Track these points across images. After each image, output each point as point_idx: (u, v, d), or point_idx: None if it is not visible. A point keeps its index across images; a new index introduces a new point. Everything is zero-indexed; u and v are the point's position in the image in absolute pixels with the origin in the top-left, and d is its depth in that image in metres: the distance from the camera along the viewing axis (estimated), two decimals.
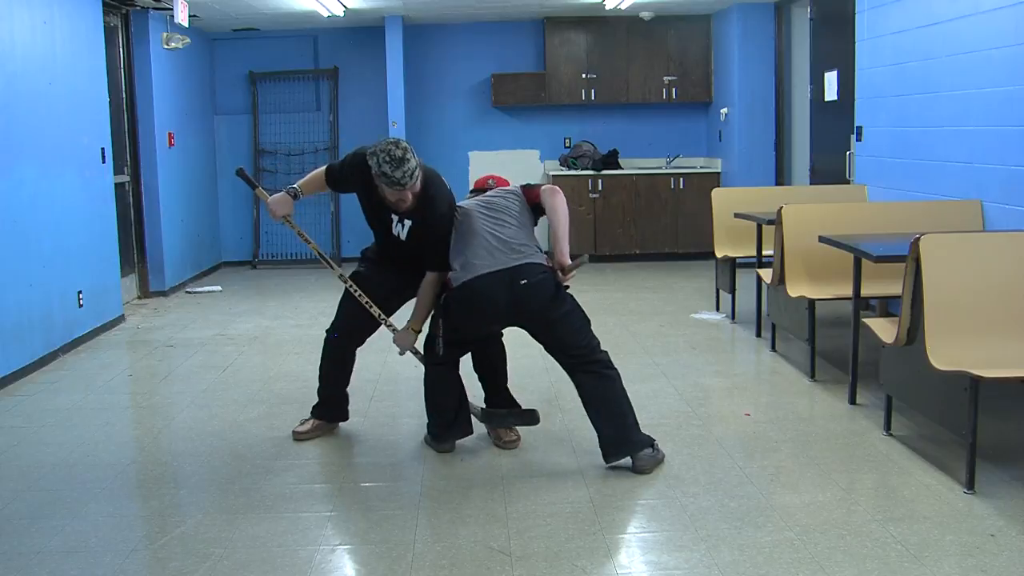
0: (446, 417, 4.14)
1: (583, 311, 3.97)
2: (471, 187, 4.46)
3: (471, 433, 4.20)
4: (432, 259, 4.07)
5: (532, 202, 4.10)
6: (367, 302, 4.21)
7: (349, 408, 4.54)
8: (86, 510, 3.60)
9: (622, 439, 3.87)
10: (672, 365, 5.59)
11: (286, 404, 4.93)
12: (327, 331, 4.42)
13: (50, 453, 4.27)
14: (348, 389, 4.50)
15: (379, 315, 4.24)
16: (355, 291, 4.23)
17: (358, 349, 4.46)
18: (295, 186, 4.29)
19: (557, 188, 4.07)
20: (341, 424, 4.52)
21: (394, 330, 4.28)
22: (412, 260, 4.13)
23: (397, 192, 3.84)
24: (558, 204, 4.01)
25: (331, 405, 4.48)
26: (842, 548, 3.11)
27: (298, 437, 4.40)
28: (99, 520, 3.50)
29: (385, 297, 4.29)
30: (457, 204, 4.13)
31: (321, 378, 4.46)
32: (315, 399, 4.47)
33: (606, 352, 3.98)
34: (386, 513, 3.52)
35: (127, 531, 3.43)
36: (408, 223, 4.04)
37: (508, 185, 4.32)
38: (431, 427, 4.20)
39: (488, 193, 4.21)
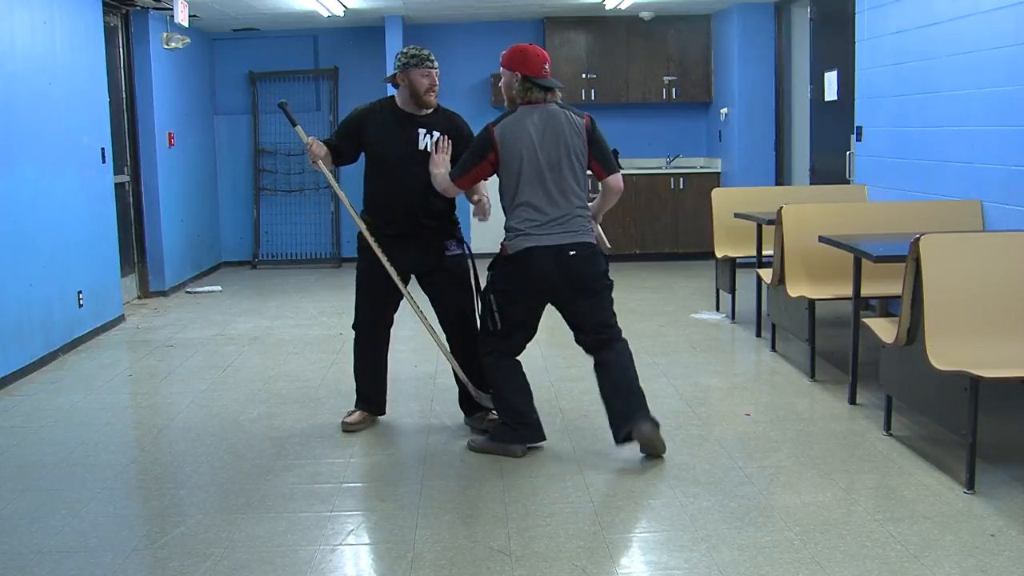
0: (524, 416, 4.08)
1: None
2: (505, 62, 4.01)
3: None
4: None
5: (593, 172, 4.09)
6: (380, 252, 4.24)
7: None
8: (86, 510, 3.60)
9: (632, 411, 3.90)
10: (672, 365, 5.59)
11: (286, 404, 4.93)
12: (352, 326, 4.47)
13: (50, 453, 4.27)
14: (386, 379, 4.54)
15: (394, 274, 4.26)
16: (370, 235, 4.25)
17: (391, 330, 4.50)
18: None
19: (621, 188, 4.12)
20: (339, 423, 4.51)
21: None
22: (427, 183, 4.17)
23: (428, 72, 4.18)
24: (611, 204, 4.19)
25: (370, 399, 4.52)
26: (842, 548, 3.11)
27: (347, 428, 4.43)
28: (99, 520, 3.50)
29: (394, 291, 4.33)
30: (519, 112, 3.96)
31: (356, 374, 4.52)
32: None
33: (620, 330, 4.08)
34: (386, 513, 3.52)
35: (127, 531, 3.43)
36: (436, 134, 4.22)
37: (548, 60, 4.00)
38: (513, 428, 4.05)
39: (557, 112, 3.96)
